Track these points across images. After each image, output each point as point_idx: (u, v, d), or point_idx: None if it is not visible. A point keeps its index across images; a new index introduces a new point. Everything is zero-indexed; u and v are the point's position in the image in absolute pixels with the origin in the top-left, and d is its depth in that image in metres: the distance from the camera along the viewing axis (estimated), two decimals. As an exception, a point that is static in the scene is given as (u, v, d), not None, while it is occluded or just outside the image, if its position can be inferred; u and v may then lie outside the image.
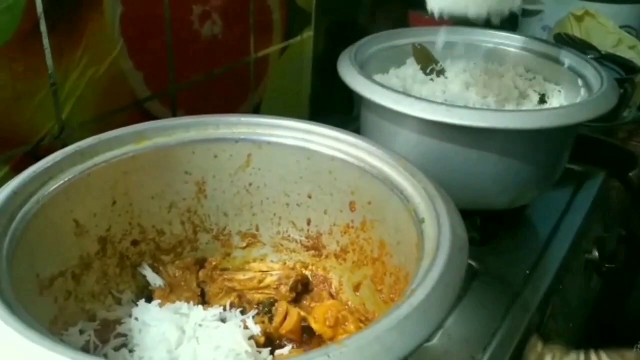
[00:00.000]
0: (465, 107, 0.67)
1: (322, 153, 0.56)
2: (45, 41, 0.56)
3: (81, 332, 0.49)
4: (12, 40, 0.53)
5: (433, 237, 0.43)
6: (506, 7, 0.69)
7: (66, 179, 0.49)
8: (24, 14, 0.53)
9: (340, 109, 0.98)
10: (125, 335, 0.50)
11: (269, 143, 0.57)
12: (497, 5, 0.68)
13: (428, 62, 0.85)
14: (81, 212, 0.51)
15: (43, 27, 0.55)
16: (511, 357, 0.59)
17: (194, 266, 0.59)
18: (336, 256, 0.59)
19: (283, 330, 0.53)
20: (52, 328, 0.46)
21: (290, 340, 0.53)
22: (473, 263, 0.69)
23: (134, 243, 0.57)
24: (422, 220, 0.46)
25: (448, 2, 0.69)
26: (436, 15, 0.70)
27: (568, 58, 0.83)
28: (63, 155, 0.49)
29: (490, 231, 0.74)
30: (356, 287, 0.57)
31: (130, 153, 0.53)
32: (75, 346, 0.46)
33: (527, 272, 0.70)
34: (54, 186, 0.48)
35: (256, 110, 0.87)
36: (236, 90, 0.83)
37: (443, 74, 0.84)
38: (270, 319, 0.53)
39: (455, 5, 0.68)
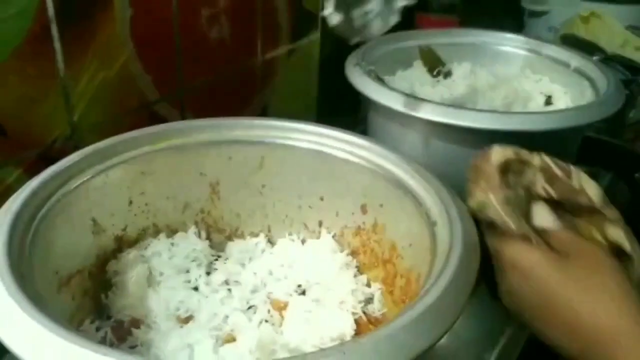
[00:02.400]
0: (473, 109, 0.68)
1: (335, 156, 0.56)
2: (57, 45, 0.56)
3: (97, 329, 0.49)
4: (23, 44, 0.54)
5: (445, 239, 0.44)
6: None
7: (85, 179, 0.50)
8: (35, 18, 0.54)
9: (347, 110, 0.98)
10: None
11: (282, 146, 0.57)
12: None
13: (435, 64, 0.85)
14: (99, 212, 0.52)
15: (54, 31, 0.56)
16: (519, 356, 0.60)
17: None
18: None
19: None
20: (69, 325, 0.46)
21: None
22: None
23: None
24: (434, 223, 0.46)
25: None
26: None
27: (574, 59, 0.83)
28: (82, 156, 0.50)
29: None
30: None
31: (147, 154, 0.54)
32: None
33: (535, 272, 0.70)
34: (74, 186, 0.49)
35: (264, 112, 0.87)
36: (244, 92, 0.83)
37: (450, 76, 0.84)
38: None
39: None
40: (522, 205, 0.45)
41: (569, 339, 0.38)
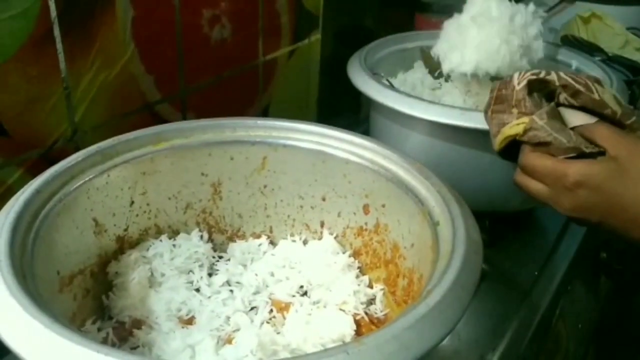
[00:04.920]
0: (475, 110, 0.67)
1: (337, 156, 0.56)
2: (59, 46, 0.56)
3: (99, 330, 0.49)
4: (26, 45, 0.54)
5: (448, 239, 0.44)
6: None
7: (87, 179, 0.50)
8: (38, 19, 0.54)
9: (347, 111, 0.98)
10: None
11: (284, 146, 0.57)
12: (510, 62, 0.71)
13: (436, 66, 0.85)
14: (101, 212, 0.52)
15: (57, 32, 0.56)
16: (520, 357, 0.60)
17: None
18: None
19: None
20: (71, 325, 0.46)
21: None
22: (482, 264, 0.69)
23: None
24: (437, 223, 0.46)
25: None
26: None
27: (575, 60, 0.83)
28: (84, 156, 0.50)
29: (499, 233, 0.74)
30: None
31: (148, 154, 0.54)
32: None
33: (536, 273, 0.70)
34: (75, 185, 0.49)
35: (264, 112, 0.87)
36: (245, 93, 0.83)
37: (451, 78, 0.84)
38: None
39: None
40: (557, 116, 0.47)
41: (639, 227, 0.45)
